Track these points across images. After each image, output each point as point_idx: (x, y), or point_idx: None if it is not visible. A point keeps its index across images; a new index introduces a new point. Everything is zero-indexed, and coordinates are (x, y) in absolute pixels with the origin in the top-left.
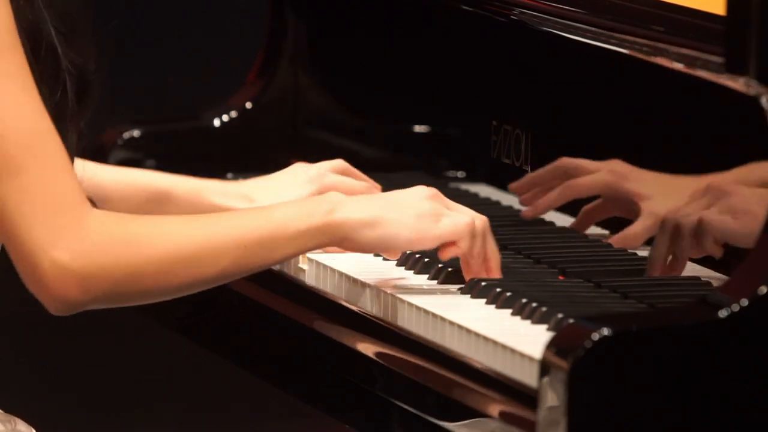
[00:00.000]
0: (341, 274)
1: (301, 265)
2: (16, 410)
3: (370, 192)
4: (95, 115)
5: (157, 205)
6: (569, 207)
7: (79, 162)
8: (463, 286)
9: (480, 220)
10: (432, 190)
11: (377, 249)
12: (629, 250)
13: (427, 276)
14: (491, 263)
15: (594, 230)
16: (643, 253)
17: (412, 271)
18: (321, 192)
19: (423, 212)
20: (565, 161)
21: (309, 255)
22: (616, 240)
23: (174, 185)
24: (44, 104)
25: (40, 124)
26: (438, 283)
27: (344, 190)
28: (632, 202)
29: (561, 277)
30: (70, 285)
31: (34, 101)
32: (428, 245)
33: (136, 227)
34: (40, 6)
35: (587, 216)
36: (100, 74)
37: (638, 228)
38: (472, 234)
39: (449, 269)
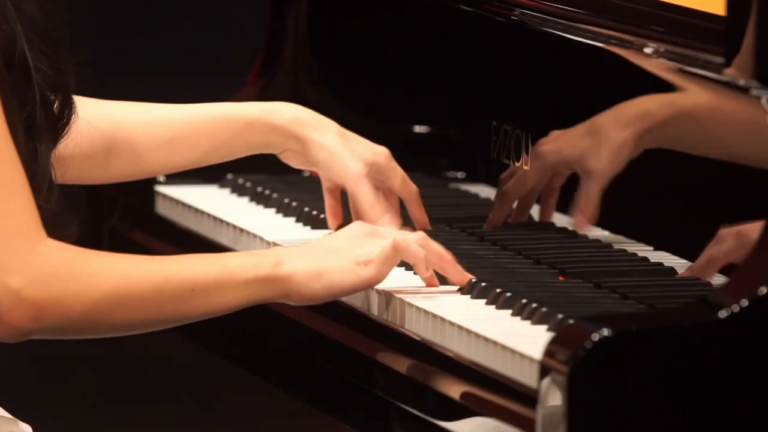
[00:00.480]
0: None
1: None
2: (15, 410)
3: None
4: None
5: (232, 133)
6: (571, 207)
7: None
8: (463, 287)
9: (404, 235)
10: (362, 227)
11: (324, 298)
12: (629, 251)
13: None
14: (446, 268)
15: (595, 231)
16: (643, 253)
17: (413, 272)
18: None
19: (358, 254)
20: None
21: None
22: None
23: (247, 110)
24: (15, 116)
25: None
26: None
27: (399, 180)
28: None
29: (561, 278)
30: (21, 312)
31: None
32: (373, 283)
33: (93, 260)
34: (14, 19)
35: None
36: (80, 88)
37: (586, 194)
38: (405, 247)
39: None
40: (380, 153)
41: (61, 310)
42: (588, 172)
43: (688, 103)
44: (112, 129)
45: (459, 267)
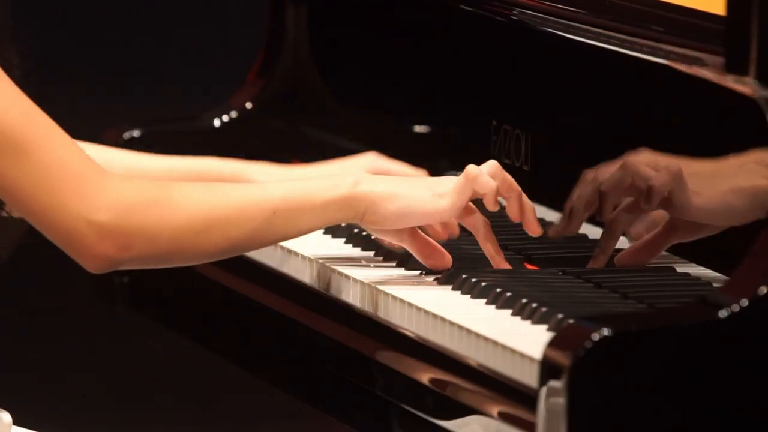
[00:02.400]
0: (341, 273)
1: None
2: (15, 410)
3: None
4: (95, 116)
5: None
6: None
7: (119, 152)
8: (463, 286)
9: (476, 167)
10: (449, 177)
11: (395, 222)
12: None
13: (427, 276)
14: (510, 202)
15: (595, 231)
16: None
17: (413, 271)
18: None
19: (435, 188)
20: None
21: (311, 256)
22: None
23: (221, 166)
24: None
25: (27, 104)
26: (438, 283)
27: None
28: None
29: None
30: (110, 244)
31: (12, 85)
32: (445, 217)
33: (168, 189)
34: None
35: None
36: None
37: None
38: (475, 178)
39: (450, 270)
40: (369, 163)
41: (149, 236)
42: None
43: None
44: None
45: (524, 202)
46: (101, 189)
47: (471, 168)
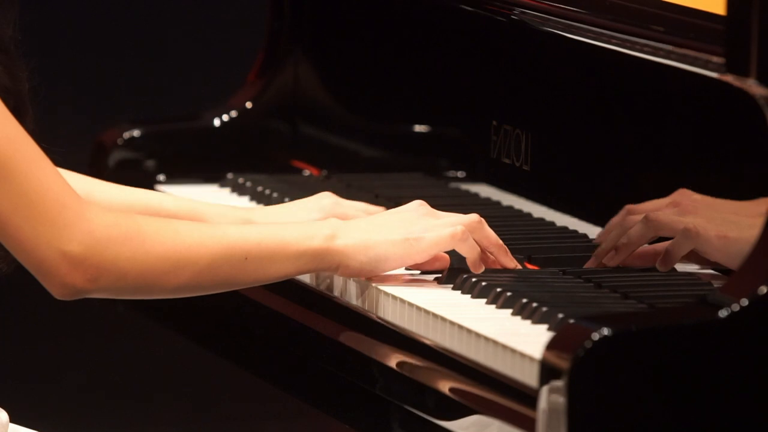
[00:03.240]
0: None
1: None
2: (14, 410)
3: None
4: (95, 116)
5: None
6: (570, 208)
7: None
8: (463, 286)
9: (463, 225)
10: (423, 206)
11: (370, 272)
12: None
13: (427, 276)
14: (498, 256)
15: (595, 230)
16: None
17: (415, 272)
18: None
19: (410, 230)
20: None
21: None
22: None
23: (179, 206)
24: None
25: (14, 130)
26: (438, 283)
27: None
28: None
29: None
30: (80, 275)
31: (2, 108)
32: (418, 260)
33: (144, 224)
34: None
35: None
36: (33, 96)
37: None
38: (462, 240)
39: (450, 269)
40: (323, 208)
41: (118, 271)
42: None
43: None
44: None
45: (511, 256)
46: (77, 220)
47: (460, 232)
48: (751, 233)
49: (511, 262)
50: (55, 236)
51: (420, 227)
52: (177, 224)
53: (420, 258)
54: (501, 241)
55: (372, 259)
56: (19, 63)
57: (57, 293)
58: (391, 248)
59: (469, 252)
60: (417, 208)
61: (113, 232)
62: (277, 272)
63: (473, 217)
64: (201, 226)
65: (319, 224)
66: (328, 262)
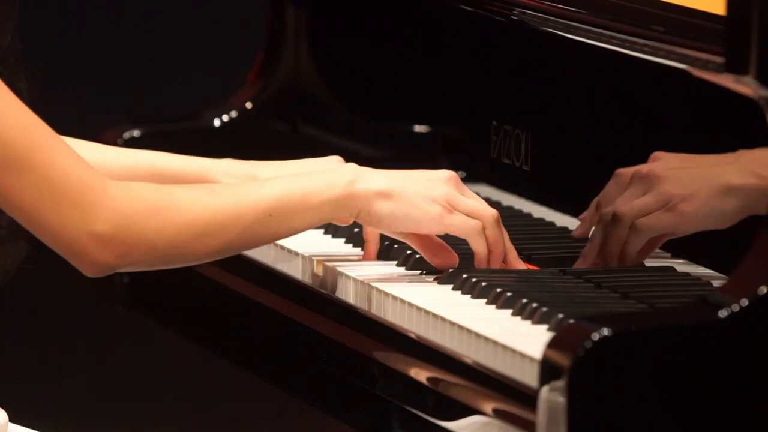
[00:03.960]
0: (341, 273)
1: (315, 271)
2: (13, 410)
3: None
4: (95, 116)
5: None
6: (570, 208)
7: (85, 144)
8: (463, 286)
9: (488, 221)
10: (451, 176)
11: (387, 223)
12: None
13: (427, 276)
14: (508, 256)
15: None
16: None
17: (413, 271)
18: None
19: (437, 197)
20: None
21: (312, 255)
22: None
23: (185, 165)
24: None
25: (29, 119)
26: (438, 283)
27: None
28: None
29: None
30: (110, 253)
31: (14, 98)
32: (434, 231)
33: (167, 195)
34: None
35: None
36: (20, 56)
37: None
38: (480, 235)
39: (450, 269)
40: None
41: (147, 244)
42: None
43: None
44: None
45: (520, 261)
46: (101, 200)
47: (478, 226)
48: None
49: (520, 264)
50: (81, 218)
51: (442, 204)
52: (199, 190)
53: (436, 231)
54: (510, 244)
55: (393, 211)
56: (20, 73)
57: (89, 271)
58: (409, 208)
59: (481, 248)
60: (446, 174)
61: (138, 206)
62: (301, 224)
63: (492, 212)
64: (223, 188)
65: (339, 171)
66: (349, 208)
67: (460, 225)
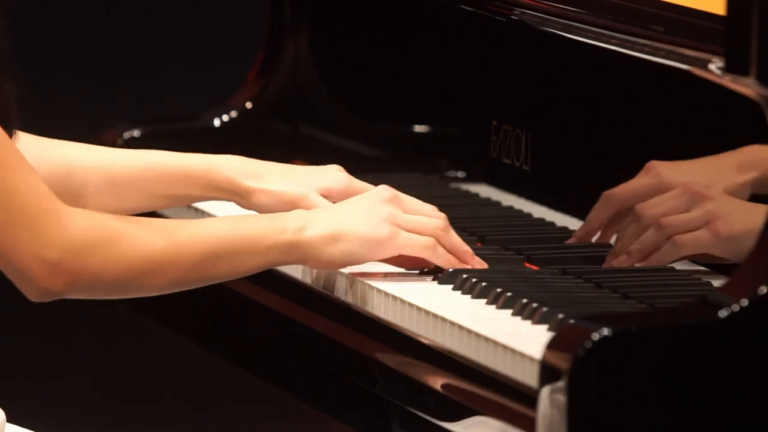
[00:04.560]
0: (341, 273)
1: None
2: (12, 410)
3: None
4: (95, 116)
5: (173, 185)
6: (570, 208)
7: (87, 146)
8: (463, 286)
9: (439, 233)
10: (390, 195)
11: (338, 265)
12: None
13: (427, 276)
14: (465, 259)
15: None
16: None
17: (413, 271)
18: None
19: (382, 224)
20: (607, 193)
21: None
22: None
23: (189, 163)
24: None
25: None
26: (438, 283)
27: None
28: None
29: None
30: (57, 279)
31: None
32: (388, 255)
33: (120, 227)
34: None
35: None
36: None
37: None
38: (434, 249)
39: (450, 269)
40: (338, 179)
41: (95, 274)
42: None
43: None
44: (68, 173)
45: (477, 258)
46: (54, 226)
47: (432, 244)
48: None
49: (479, 264)
50: (33, 242)
51: (389, 228)
52: (153, 225)
53: (388, 255)
54: (466, 246)
55: (341, 253)
56: (8, 76)
57: (33, 296)
58: (360, 245)
59: (442, 261)
60: (385, 199)
61: (90, 235)
62: (247, 267)
63: (439, 223)
64: (175, 225)
65: (288, 216)
66: (297, 255)
67: (412, 246)
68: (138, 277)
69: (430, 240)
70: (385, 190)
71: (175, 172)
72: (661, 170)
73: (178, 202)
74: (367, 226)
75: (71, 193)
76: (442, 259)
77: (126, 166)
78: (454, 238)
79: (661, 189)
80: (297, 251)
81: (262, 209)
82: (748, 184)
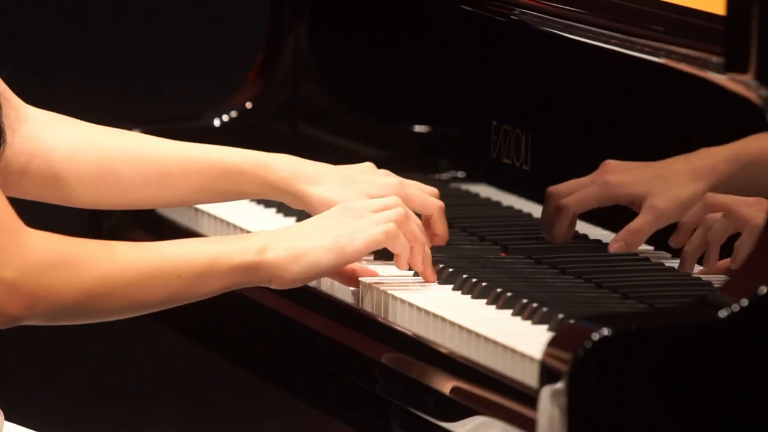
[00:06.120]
0: None
1: None
2: (14, 409)
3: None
4: (95, 116)
5: (225, 181)
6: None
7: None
8: (463, 286)
9: (394, 222)
10: (345, 208)
11: (303, 281)
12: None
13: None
14: (414, 254)
15: (595, 231)
16: (643, 253)
17: (413, 272)
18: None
19: (340, 233)
20: (552, 189)
21: None
22: (618, 238)
23: (243, 160)
24: None
25: None
26: (438, 283)
27: (417, 203)
28: (633, 203)
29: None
30: (14, 302)
31: None
32: (353, 261)
33: (80, 247)
34: None
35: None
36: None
37: (638, 223)
38: (395, 237)
39: (450, 269)
40: (389, 185)
41: (53, 297)
42: (650, 208)
43: (752, 152)
44: (99, 157)
45: (425, 257)
46: (13, 246)
47: (393, 229)
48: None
49: (422, 267)
50: None
51: (350, 228)
52: (113, 247)
53: (355, 259)
54: (423, 238)
55: (304, 269)
56: None
57: None
58: (323, 255)
59: (402, 250)
60: (343, 209)
61: (49, 257)
62: (210, 288)
63: (399, 210)
64: (137, 247)
65: (249, 238)
66: (260, 276)
67: (374, 240)
68: (98, 299)
69: (393, 227)
70: (343, 205)
71: (229, 168)
72: (608, 179)
73: (228, 198)
74: (329, 236)
75: (119, 184)
76: (405, 249)
77: (179, 159)
78: (414, 227)
79: (609, 198)
80: (260, 272)
81: (315, 213)
82: (700, 194)
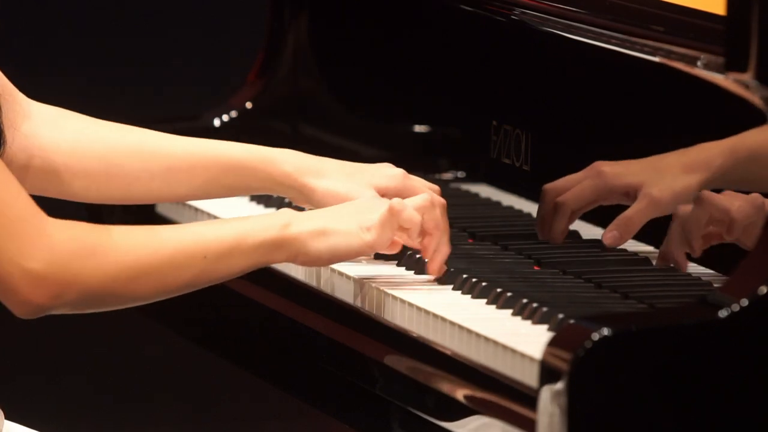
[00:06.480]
0: (341, 273)
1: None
2: (14, 409)
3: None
4: (95, 116)
5: (230, 176)
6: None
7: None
8: (463, 286)
9: (419, 205)
10: (372, 196)
11: (328, 261)
12: (629, 250)
13: (427, 276)
14: (435, 237)
15: (595, 230)
16: (643, 253)
17: (413, 272)
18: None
19: (363, 218)
20: (548, 186)
21: None
22: (611, 227)
23: (248, 155)
24: None
25: None
26: (439, 283)
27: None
28: (627, 194)
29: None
30: (43, 292)
31: None
32: (376, 249)
33: (105, 234)
34: None
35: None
36: None
37: (631, 211)
38: (400, 210)
39: (450, 269)
40: (394, 176)
41: (81, 285)
42: (644, 196)
43: (748, 146)
44: (105, 152)
45: (445, 248)
46: (38, 236)
47: (395, 202)
48: None
49: (431, 255)
50: (16, 253)
51: (369, 215)
52: (137, 232)
53: (376, 245)
54: (446, 227)
55: (329, 248)
56: None
57: (19, 311)
58: (346, 238)
59: (408, 222)
60: (369, 197)
61: (74, 246)
62: (236, 267)
63: (425, 197)
64: (160, 230)
65: (274, 214)
66: (286, 251)
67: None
68: (126, 284)
69: (396, 203)
70: (372, 198)
71: (234, 163)
72: (603, 169)
73: (233, 193)
74: (353, 220)
75: (125, 179)
76: (407, 220)
77: (185, 155)
78: (436, 214)
79: (605, 190)
80: (284, 248)
81: (320, 206)
82: (694, 186)
